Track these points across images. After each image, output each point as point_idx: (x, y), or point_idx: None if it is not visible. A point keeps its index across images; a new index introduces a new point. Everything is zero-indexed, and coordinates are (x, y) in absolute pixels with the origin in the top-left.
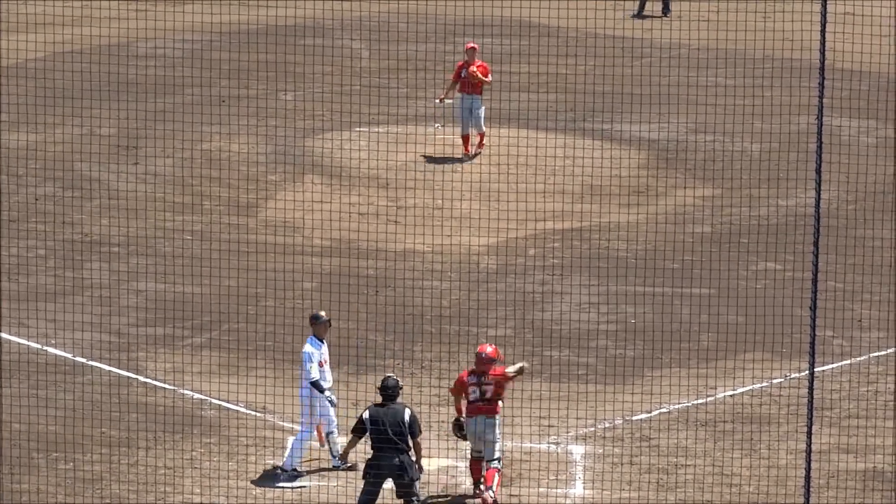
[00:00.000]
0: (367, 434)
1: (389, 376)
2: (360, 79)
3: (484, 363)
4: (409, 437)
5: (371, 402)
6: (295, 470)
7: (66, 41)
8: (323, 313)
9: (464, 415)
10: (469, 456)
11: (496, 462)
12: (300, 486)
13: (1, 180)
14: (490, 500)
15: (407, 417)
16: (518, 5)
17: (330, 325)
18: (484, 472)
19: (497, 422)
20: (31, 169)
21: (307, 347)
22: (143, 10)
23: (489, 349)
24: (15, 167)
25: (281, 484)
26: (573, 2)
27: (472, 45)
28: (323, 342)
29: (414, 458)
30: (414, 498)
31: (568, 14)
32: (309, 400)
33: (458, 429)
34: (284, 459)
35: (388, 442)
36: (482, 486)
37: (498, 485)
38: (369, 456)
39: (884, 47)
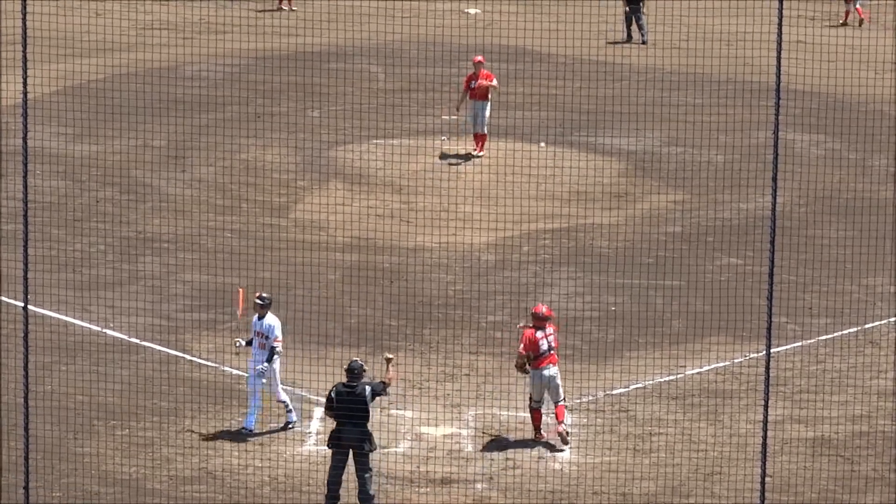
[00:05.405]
0: (334, 410)
1: (355, 360)
2: (377, 98)
3: (543, 320)
4: (370, 409)
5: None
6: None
7: (124, 65)
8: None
9: (530, 369)
10: (530, 406)
11: (563, 400)
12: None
13: (67, 185)
14: (564, 431)
15: (367, 393)
16: (515, 35)
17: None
18: (554, 411)
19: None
20: (92, 175)
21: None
22: (190, 38)
23: (544, 308)
24: (79, 174)
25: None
26: (563, 32)
27: (479, 58)
28: (261, 320)
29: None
30: (368, 474)
31: (558, 43)
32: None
33: (523, 369)
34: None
35: (349, 417)
36: (556, 422)
37: (563, 418)
38: (333, 428)
39: (831, 71)
